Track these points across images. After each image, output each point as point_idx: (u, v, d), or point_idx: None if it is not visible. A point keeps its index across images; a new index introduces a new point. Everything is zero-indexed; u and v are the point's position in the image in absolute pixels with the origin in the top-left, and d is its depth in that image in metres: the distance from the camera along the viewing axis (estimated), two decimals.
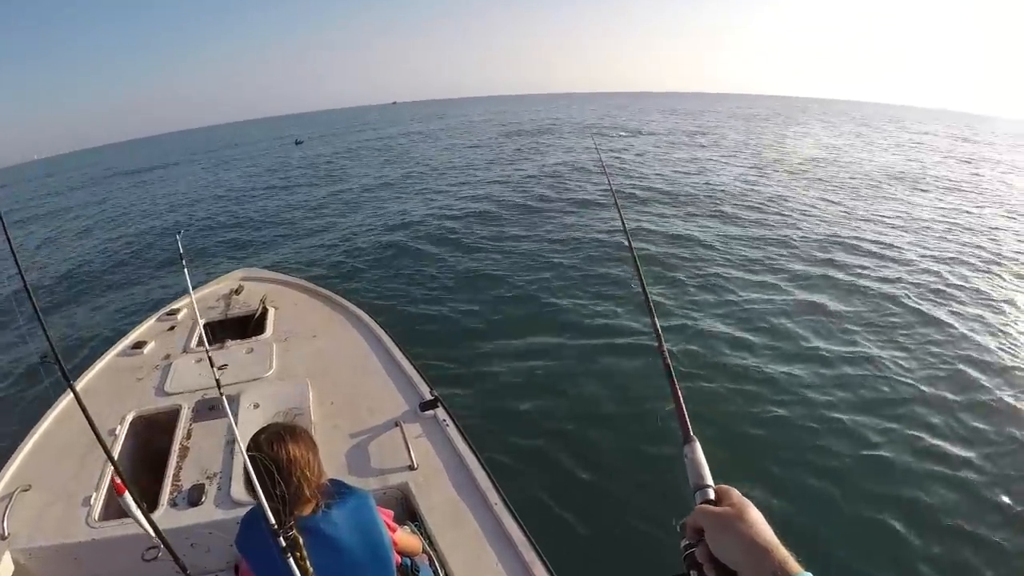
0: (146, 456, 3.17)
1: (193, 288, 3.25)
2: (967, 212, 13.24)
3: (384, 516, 1.77)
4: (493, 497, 2.52)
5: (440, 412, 3.11)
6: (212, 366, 2.31)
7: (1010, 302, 7.57)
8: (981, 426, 4.85)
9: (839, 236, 10.48)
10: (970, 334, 6.49)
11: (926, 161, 23.61)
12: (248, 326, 4.48)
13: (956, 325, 6.72)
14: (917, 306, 7.24)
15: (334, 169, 24.01)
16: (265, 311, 4.57)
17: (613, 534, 3.65)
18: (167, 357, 3.95)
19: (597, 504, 3.93)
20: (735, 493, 0.75)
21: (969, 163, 23.95)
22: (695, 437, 0.85)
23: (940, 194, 15.60)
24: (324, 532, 1.56)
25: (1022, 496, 4.04)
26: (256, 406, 3.19)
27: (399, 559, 1.87)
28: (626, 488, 4.05)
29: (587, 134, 31.76)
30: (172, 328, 4.46)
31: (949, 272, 8.65)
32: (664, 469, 4.06)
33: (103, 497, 2.65)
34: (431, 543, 2.35)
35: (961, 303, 7.46)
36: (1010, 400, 5.20)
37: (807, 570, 0.62)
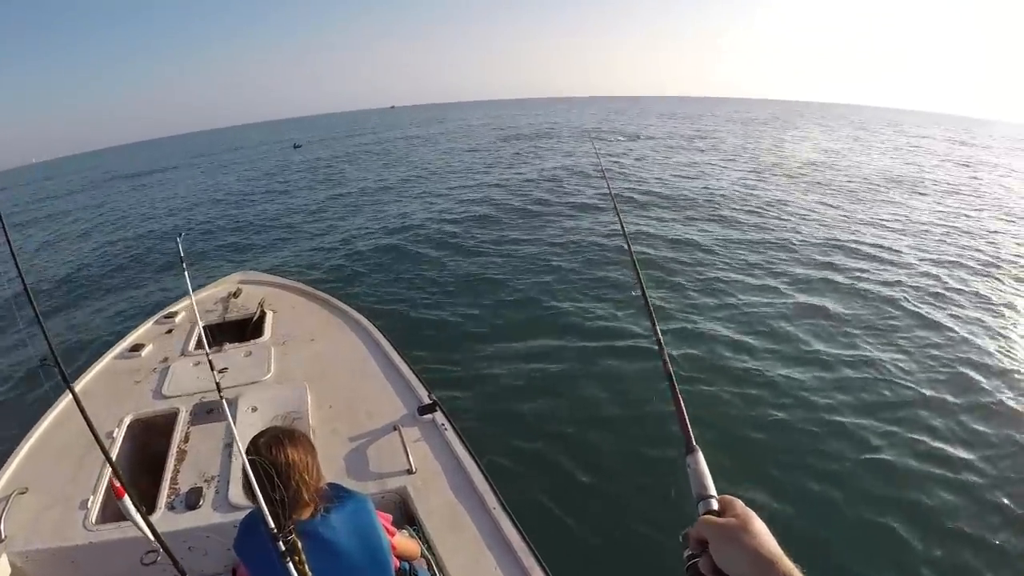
0: (143, 459, 3.15)
1: (192, 291, 3.25)
2: (965, 216, 13.26)
3: (383, 520, 1.77)
4: (491, 501, 2.51)
5: (439, 416, 3.10)
6: (213, 369, 2.30)
7: (1009, 305, 7.58)
8: (982, 429, 4.84)
9: (838, 239, 10.50)
10: (970, 337, 6.49)
11: (924, 165, 23.68)
12: (246, 329, 4.47)
13: (956, 328, 6.72)
14: (917, 309, 7.24)
15: (333, 173, 24.03)
16: (263, 314, 4.56)
17: (613, 538, 3.63)
18: (165, 360, 3.94)
19: (597, 508, 3.91)
20: (739, 504, 0.75)
21: (967, 166, 24.03)
22: (698, 447, 0.85)
23: (939, 197, 15.64)
24: (323, 536, 1.55)
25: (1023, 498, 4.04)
26: (254, 409, 3.18)
27: (398, 563, 1.86)
28: (626, 492, 4.04)
29: (586, 138, 31.81)
30: (170, 331, 4.45)
31: (948, 275, 8.66)
32: (664, 472, 4.05)
33: (100, 500, 2.63)
34: (429, 547, 2.34)
35: (961, 306, 7.46)
36: (1011, 403, 5.20)
37: None
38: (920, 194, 15.98)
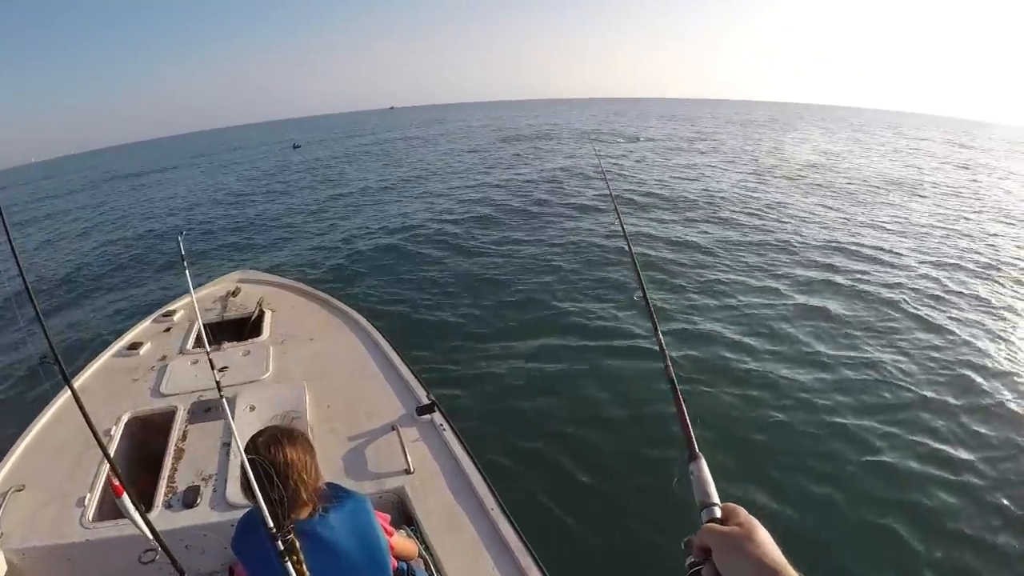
0: (141, 457, 3.15)
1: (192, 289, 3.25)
2: (965, 218, 13.28)
3: (381, 520, 1.76)
4: (490, 502, 2.51)
5: (437, 416, 3.10)
6: (213, 368, 2.30)
7: (1010, 308, 7.58)
8: (983, 430, 4.84)
9: (839, 241, 10.51)
10: (971, 339, 6.50)
11: (924, 167, 23.71)
12: (245, 328, 4.47)
13: (957, 330, 6.73)
14: (917, 311, 7.25)
15: (333, 173, 24.02)
16: (262, 313, 4.56)
17: (612, 539, 3.62)
18: (163, 358, 3.94)
19: (595, 509, 3.90)
20: (742, 512, 0.75)
21: (967, 169, 24.06)
22: (700, 454, 0.84)
23: (939, 200, 15.67)
24: (321, 536, 1.55)
25: None
26: (252, 408, 3.17)
27: (395, 563, 1.85)
28: (626, 492, 4.03)
29: (586, 139, 31.83)
30: (168, 329, 4.44)
31: (949, 278, 8.68)
32: (664, 473, 4.04)
33: (97, 497, 2.63)
34: (427, 547, 2.33)
35: (961, 308, 7.47)
36: (1012, 404, 5.20)
37: None
38: (920, 196, 16.01)
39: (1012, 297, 7.99)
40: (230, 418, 1.83)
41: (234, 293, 5.01)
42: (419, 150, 32.33)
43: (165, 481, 2.72)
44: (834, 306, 7.33)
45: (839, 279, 8.40)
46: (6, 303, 6.88)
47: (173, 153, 65.75)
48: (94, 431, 2.01)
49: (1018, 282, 8.64)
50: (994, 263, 9.58)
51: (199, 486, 2.65)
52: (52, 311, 8.93)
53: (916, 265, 9.26)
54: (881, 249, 10.08)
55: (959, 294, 7.99)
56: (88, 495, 2.62)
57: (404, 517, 2.60)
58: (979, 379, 5.62)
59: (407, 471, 2.71)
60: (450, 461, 2.79)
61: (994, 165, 26.49)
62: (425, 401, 3.21)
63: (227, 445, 2.90)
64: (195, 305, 3.01)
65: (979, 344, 6.39)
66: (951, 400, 5.26)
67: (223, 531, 2.42)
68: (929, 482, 4.21)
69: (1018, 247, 10.75)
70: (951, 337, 6.56)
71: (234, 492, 2.55)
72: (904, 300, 7.59)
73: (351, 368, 3.71)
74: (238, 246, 12.42)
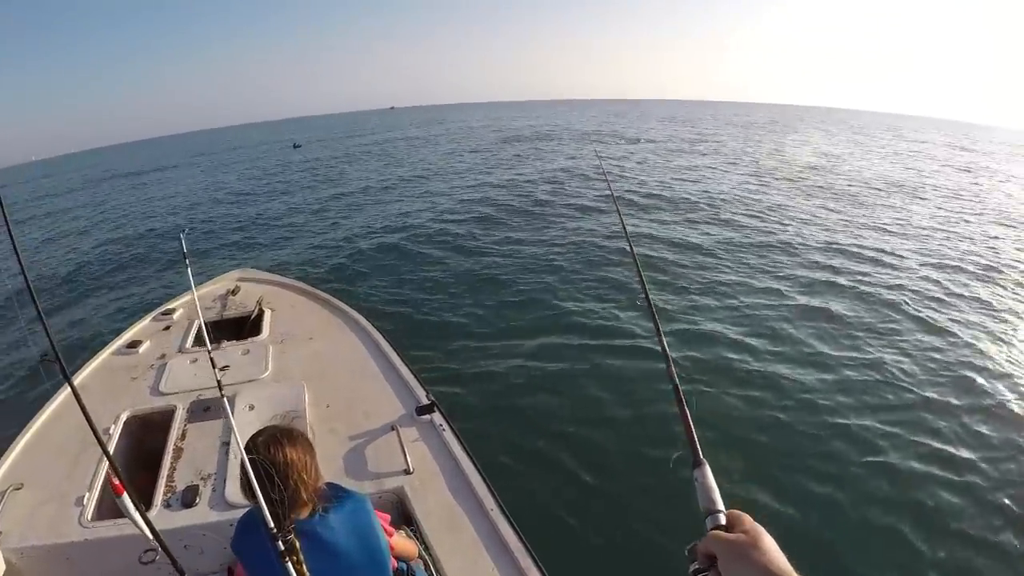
0: (139, 456, 3.14)
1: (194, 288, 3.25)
2: (966, 221, 13.28)
3: (381, 520, 1.76)
4: (489, 502, 2.50)
5: (437, 417, 3.09)
6: (214, 367, 2.29)
7: (1011, 310, 7.59)
8: (985, 431, 4.85)
9: (840, 243, 10.51)
10: (973, 341, 6.51)
11: (924, 170, 23.71)
12: (244, 327, 4.46)
13: (958, 332, 6.74)
14: (919, 312, 7.26)
15: (333, 173, 24.03)
16: (261, 312, 4.55)
17: (612, 540, 3.61)
18: (162, 357, 3.93)
19: (596, 508, 3.89)
20: (748, 519, 0.74)
21: (968, 172, 24.06)
22: (705, 460, 0.84)
23: (940, 202, 15.68)
24: (321, 536, 1.54)
25: None
26: (251, 408, 3.16)
27: (395, 563, 1.85)
28: (626, 492, 4.02)
29: (587, 140, 31.85)
30: (168, 328, 4.43)
31: (951, 279, 8.68)
32: (666, 473, 4.02)
33: (96, 496, 2.62)
34: (426, 548, 2.32)
35: (962, 310, 7.48)
36: (1014, 405, 5.21)
37: None
38: (921, 199, 16.02)
39: (1013, 299, 7.99)
40: (231, 417, 1.82)
41: (234, 292, 5.00)
42: (420, 150, 32.33)
43: (164, 480, 2.71)
44: (836, 307, 7.33)
45: (841, 280, 8.40)
46: (7, 302, 6.88)
47: (173, 152, 65.70)
48: (94, 429, 2.00)
49: (1019, 284, 8.65)
50: (995, 265, 9.58)
51: (198, 486, 2.64)
52: (53, 309, 8.91)
53: (917, 267, 9.27)
54: (882, 251, 10.09)
55: (960, 296, 8.00)
56: (87, 494, 2.61)
57: (403, 517, 2.59)
58: (981, 380, 5.63)
59: (407, 471, 2.70)
60: (450, 461, 2.78)
61: (995, 168, 26.48)
62: (425, 401, 3.20)
63: (226, 444, 2.89)
64: (196, 303, 2.99)
65: (980, 345, 6.39)
66: (953, 400, 5.27)
67: (222, 531, 2.41)
68: (932, 482, 4.21)
69: (1018, 250, 10.75)
70: (952, 339, 6.56)
71: (233, 492, 2.54)
72: (905, 301, 7.59)
73: (351, 368, 3.70)
74: (238, 245, 12.42)
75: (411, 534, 2.37)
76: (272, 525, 1.42)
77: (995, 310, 7.55)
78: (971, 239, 11.44)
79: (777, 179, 18.61)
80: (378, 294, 8.20)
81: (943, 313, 7.32)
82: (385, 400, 3.30)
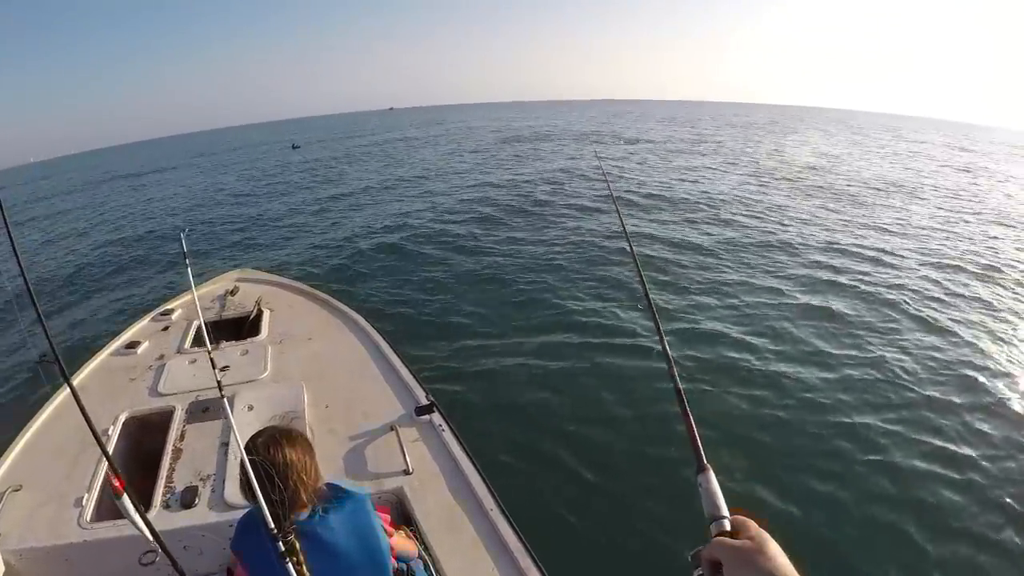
0: (138, 457, 3.13)
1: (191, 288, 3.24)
2: (966, 221, 13.29)
3: (382, 518, 1.75)
4: (489, 503, 2.50)
5: (436, 417, 3.08)
6: (215, 367, 2.29)
7: (1012, 310, 7.59)
8: (988, 429, 4.85)
9: (840, 243, 10.51)
10: (974, 340, 6.51)
11: (924, 170, 23.73)
12: (243, 328, 4.45)
13: (960, 331, 6.75)
14: (919, 312, 7.26)
15: (332, 173, 24.01)
16: (260, 313, 4.54)
17: (614, 540, 3.60)
18: (161, 357, 3.92)
19: (596, 508, 3.88)
20: (753, 525, 0.74)
21: (967, 172, 24.07)
22: (709, 465, 0.83)
23: (940, 202, 15.68)
24: (321, 536, 1.54)
25: None
26: (250, 408, 3.15)
27: (395, 563, 1.84)
28: (626, 492, 4.01)
29: (587, 141, 31.86)
30: (166, 328, 4.42)
31: (951, 279, 8.70)
32: (668, 473, 4.03)
33: (96, 498, 2.61)
34: (426, 548, 2.32)
35: (963, 310, 7.49)
36: (1016, 404, 5.22)
37: None
38: (920, 199, 16.03)
39: (1013, 299, 8.00)
40: (231, 418, 1.81)
41: (232, 292, 4.99)
42: (419, 151, 32.32)
43: (163, 481, 2.70)
44: (837, 306, 7.34)
45: (842, 279, 8.41)
46: (6, 304, 6.87)
47: (173, 153, 65.63)
48: (93, 429, 1.99)
49: (1020, 284, 8.66)
50: (995, 265, 9.59)
51: (197, 486, 2.64)
52: (52, 311, 8.90)
53: (918, 267, 9.28)
54: (883, 251, 10.10)
55: (961, 296, 8.01)
56: (86, 495, 2.60)
57: (403, 517, 2.59)
58: (982, 378, 5.64)
59: (406, 471, 2.69)
60: (449, 462, 2.77)
61: (994, 169, 26.48)
62: (424, 401, 3.19)
63: (225, 445, 2.88)
64: (197, 303, 2.98)
65: (981, 344, 6.40)
66: (955, 399, 5.28)
67: (221, 532, 2.41)
68: (934, 480, 4.22)
69: (1018, 249, 10.76)
70: (953, 338, 6.57)
71: (233, 492, 2.53)
72: (906, 301, 7.60)
73: (350, 368, 3.69)
74: (237, 244, 12.41)
75: (411, 534, 2.37)
76: (272, 526, 1.41)
77: (995, 310, 7.55)
78: (971, 239, 11.45)
79: (777, 179, 18.62)
80: (378, 294, 8.19)
81: (944, 312, 7.33)
82: (384, 400, 3.30)
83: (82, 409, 2.00)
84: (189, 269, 3.21)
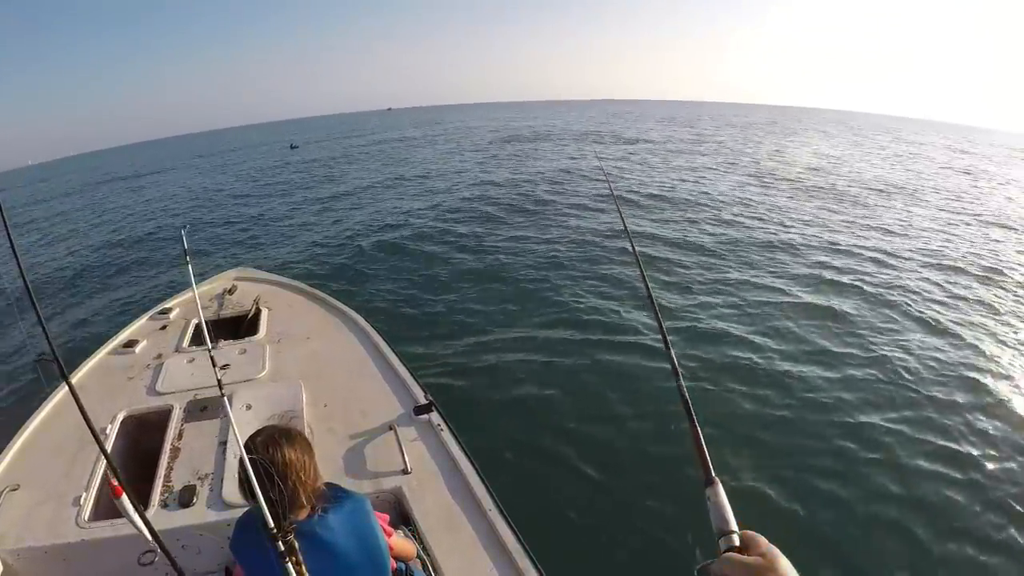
0: (136, 456, 3.11)
1: (189, 287, 3.22)
2: (966, 223, 13.29)
3: (380, 520, 1.74)
4: (487, 503, 2.48)
5: (435, 416, 3.06)
6: (215, 365, 2.27)
7: (1012, 311, 7.59)
8: (991, 429, 4.85)
9: (842, 243, 10.52)
10: (975, 341, 6.51)
11: (924, 172, 23.75)
12: (241, 326, 4.43)
13: (962, 332, 6.75)
14: (921, 312, 7.27)
15: (332, 173, 24.03)
16: (258, 312, 4.52)
17: (614, 539, 3.58)
18: (159, 356, 3.89)
19: (596, 508, 3.86)
20: (763, 541, 0.72)
21: (968, 174, 24.09)
22: (717, 478, 0.81)
23: (941, 204, 15.69)
24: (320, 537, 1.53)
25: None
26: (249, 407, 3.14)
27: (394, 564, 1.83)
28: (628, 491, 4.00)
29: (586, 141, 31.88)
30: (164, 327, 4.39)
31: (953, 280, 8.70)
32: (668, 473, 4.02)
33: (94, 497, 2.59)
34: (424, 548, 2.30)
35: (965, 311, 7.49)
36: (1017, 403, 5.22)
37: None
38: (921, 200, 16.04)
39: (1014, 301, 7.99)
40: (230, 417, 1.80)
41: (230, 291, 4.97)
42: (418, 150, 32.33)
43: (161, 480, 2.68)
44: (839, 306, 7.34)
45: (844, 279, 8.42)
46: (6, 307, 6.85)
47: (173, 154, 65.65)
48: (92, 428, 1.98)
49: (1020, 285, 8.66)
50: (996, 267, 9.59)
51: (195, 486, 2.62)
52: (51, 311, 8.90)
53: (919, 268, 9.29)
54: (884, 251, 10.11)
55: (963, 297, 8.01)
56: (84, 494, 2.59)
57: (401, 517, 2.57)
58: (984, 379, 5.65)
59: (404, 471, 2.68)
60: (448, 461, 2.76)
61: (994, 171, 26.50)
62: (423, 401, 3.17)
63: (223, 444, 2.87)
64: (197, 301, 2.96)
65: (983, 345, 6.40)
66: (958, 399, 5.28)
67: (220, 531, 2.39)
68: (938, 479, 4.22)
69: (1019, 252, 10.76)
70: (955, 339, 6.57)
71: (231, 492, 2.52)
72: (908, 301, 7.61)
73: (348, 367, 3.67)
74: (236, 243, 12.42)
75: (409, 534, 2.36)
76: (271, 525, 1.40)
77: (997, 312, 7.54)
78: (972, 241, 11.46)
79: (778, 179, 18.63)
80: (378, 292, 8.18)
81: (946, 313, 7.33)
82: (383, 400, 3.28)
83: (81, 408, 1.99)
84: (190, 267, 3.19)
